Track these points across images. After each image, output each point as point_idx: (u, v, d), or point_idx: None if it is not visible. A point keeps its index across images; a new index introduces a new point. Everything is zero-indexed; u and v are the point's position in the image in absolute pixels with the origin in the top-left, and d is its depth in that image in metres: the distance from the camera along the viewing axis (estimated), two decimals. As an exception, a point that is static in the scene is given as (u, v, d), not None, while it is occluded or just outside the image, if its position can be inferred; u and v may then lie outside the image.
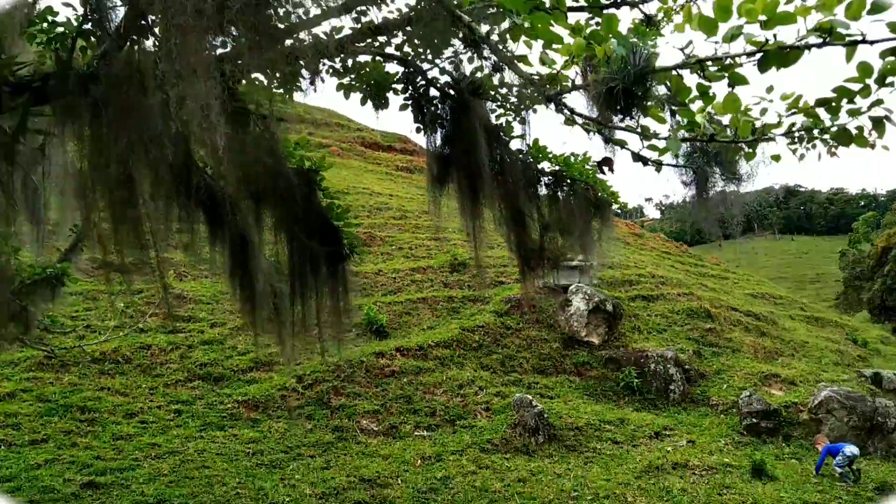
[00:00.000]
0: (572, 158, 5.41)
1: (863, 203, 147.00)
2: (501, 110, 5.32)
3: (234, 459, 9.09)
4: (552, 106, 4.37)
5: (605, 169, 4.70)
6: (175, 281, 13.80)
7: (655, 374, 13.72)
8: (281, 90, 4.91)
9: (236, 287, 4.90)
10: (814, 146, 3.90)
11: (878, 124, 3.65)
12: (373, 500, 8.74)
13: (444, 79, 4.88)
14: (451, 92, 4.82)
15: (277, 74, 4.73)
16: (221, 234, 4.96)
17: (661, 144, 4.14)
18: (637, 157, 4.25)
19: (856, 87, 3.62)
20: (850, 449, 11.13)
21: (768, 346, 17.09)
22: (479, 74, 4.84)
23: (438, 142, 4.89)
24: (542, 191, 5.44)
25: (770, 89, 3.83)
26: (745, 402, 12.89)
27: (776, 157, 3.99)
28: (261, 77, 4.60)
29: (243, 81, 4.83)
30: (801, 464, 11.76)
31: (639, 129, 3.97)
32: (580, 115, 4.25)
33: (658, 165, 4.23)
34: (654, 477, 10.43)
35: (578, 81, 4.24)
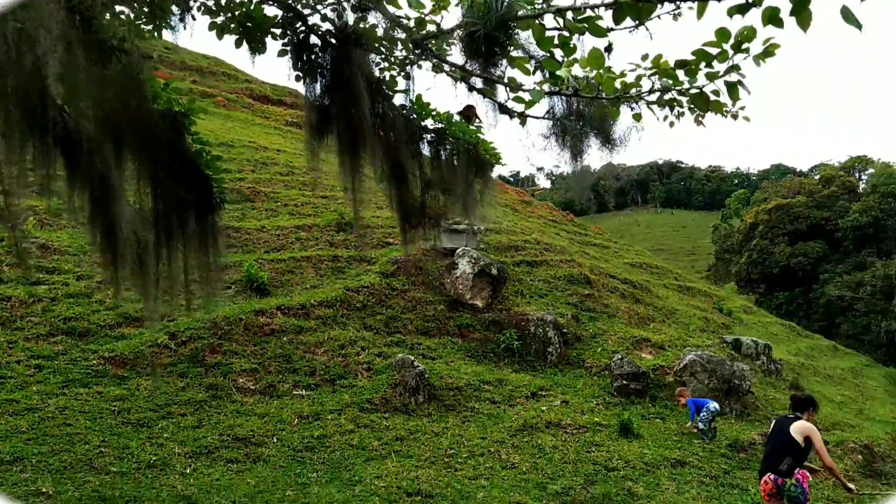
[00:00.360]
0: (456, 117, 5.37)
1: (736, 181, 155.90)
2: (386, 64, 5.20)
3: (98, 417, 8.67)
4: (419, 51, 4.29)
5: (472, 117, 4.67)
6: (37, 229, 12.91)
7: (535, 337, 14.10)
8: (149, 26, 4.59)
9: (96, 235, 4.59)
10: (681, 115, 4.01)
11: (732, 89, 3.78)
12: (246, 459, 8.59)
13: (326, 26, 4.70)
14: (333, 41, 4.65)
15: (145, 9, 4.41)
16: (81, 178, 4.63)
17: (529, 98, 4.16)
18: (503, 109, 4.25)
19: (714, 51, 3.74)
20: (714, 405, 11.91)
21: (642, 312, 17.91)
22: (362, 25, 4.69)
23: (318, 91, 4.71)
24: (425, 149, 5.37)
25: (645, 57, 3.91)
26: (617, 364, 13.46)
27: (637, 116, 4.09)
28: (125, 10, 4.28)
29: (107, 15, 4.49)
30: (665, 423, 12.45)
31: (505, 80, 3.96)
32: (447, 63, 4.19)
33: (523, 118, 4.25)
34: (528, 435, 10.77)
35: (445, 26, 4.17)
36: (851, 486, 7.87)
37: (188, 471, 8.04)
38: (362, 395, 10.86)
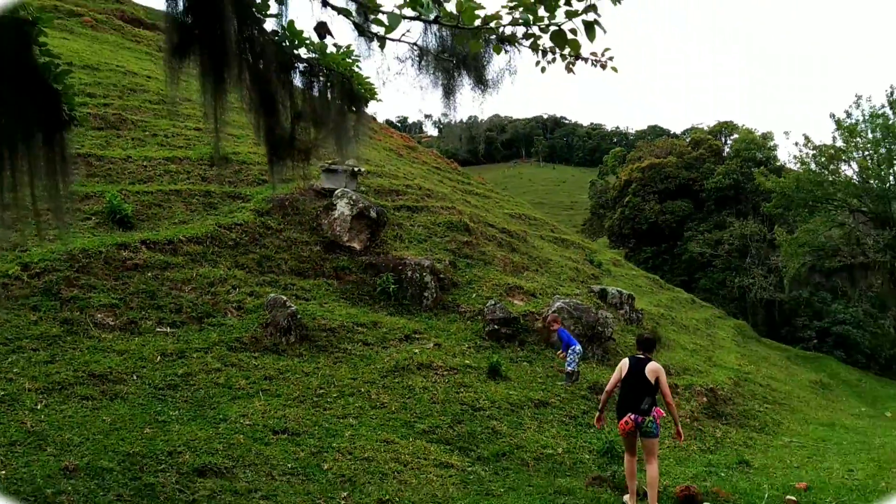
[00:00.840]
0: (332, 48, 5.20)
1: (615, 140, 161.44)
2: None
3: (-65, 351, 8.05)
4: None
5: (324, 33, 4.53)
6: None
7: (412, 281, 14.20)
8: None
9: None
10: (552, 61, 4.05)
11: (590, 28, 3.85)
12: (102, 396, 8.24)
13: (191, -63, 4.38)
14: (199, -47, 4.35)
15: None
16: None
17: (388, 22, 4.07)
18: (361, 31, 4.14)
19: (574, -12, 3.78)
20: (579, 347, 12.50)
21: (517, 261, 18.37)
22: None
23: (181, 7, 4.41)
24: (297, 79, 5.18)
25: (519, -2, 3.89)
26: (489, 310, 13.81)
27: (497, 49, 4.10)
28: None
29: None
30: (532, 366, 12.94)
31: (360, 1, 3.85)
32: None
33: (382, 41, 4.16)
34: (399, 376, 10.91)
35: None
36: (681, 431, 8.59)
37: (39, 406, 7.64)
38: (231, 333, 10.61)
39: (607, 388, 8.57)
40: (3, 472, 6.35)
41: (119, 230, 11.98)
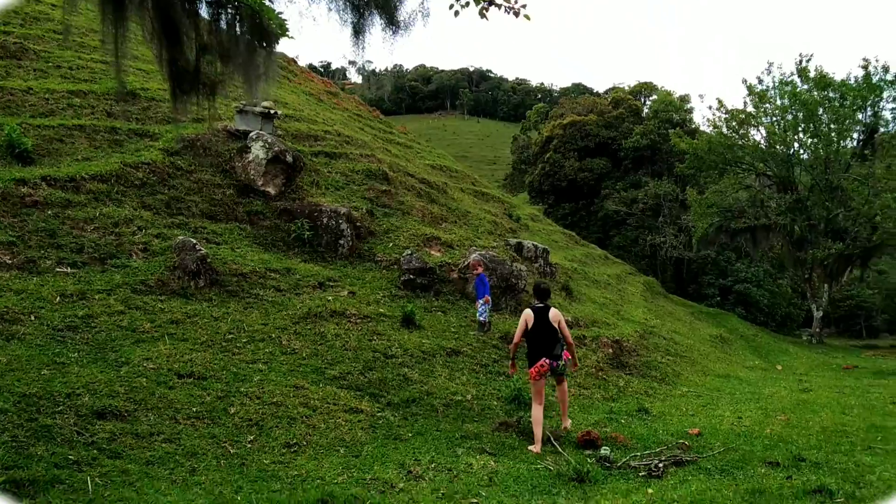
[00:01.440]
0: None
1: (540, 96, 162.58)
2: None
3: None
4: None
5: None
6: None
7: (327, 228, 14.04)
8: None
9: None
10: (466, 5, 4.00)
11: None
12: (-4, 337, 7.89)
13: None
14: None
15: None
16: None
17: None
18: None
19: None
20: (489, 298, 12.71)
21: (436, 212, 18.40)
22: None
23: (75, -77, 4.13)
24: (203, 9, 4.96)
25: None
26: (406, 259, 13.84)
27: None
28: None
29: None
30: (446, 315, 13.10)
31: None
32: None
33: None
34: (311, 323, 10.86)
35: None
36: (577, 364, 9.62)
37: (-77, 347, 7.25)
38: (136, 276, 10.29)
39: (515, 339, 8.95)
40: None
41: (18, 165, 11.35)
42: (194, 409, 7.63)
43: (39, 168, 11.43)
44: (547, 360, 8.51)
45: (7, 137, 11.53)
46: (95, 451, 6.38)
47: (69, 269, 9.80)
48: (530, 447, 8.26)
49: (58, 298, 9.04)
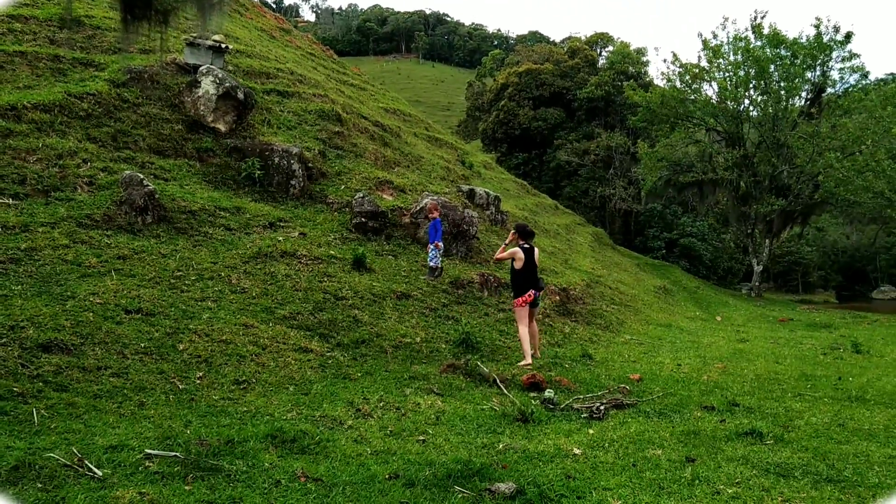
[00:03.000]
0: None
1: (496, 42, 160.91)
2: None
3: None
4: None
5: None
6: None
7: (279, 168, 13.86)
8: None
9: None
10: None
11: None
12: (-66, 268, 7.67)
13: None
14: None
15: None
16: None
17: None
18: None
19: None
20: (440, 244, 12.78)
21: (388, 156, 18.29)
22: None
23: None
24: (157, -68, 4.78)
25: None
26: (357, 202, 13.78)
27: None
28: None
29: None
30: (397, 259, 13.17)
31: None
32: None
33: None
34: (261, 263, 10.81)
35: None
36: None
37: None
38: (81, 209, 10.05)
39: (497, 256, 10.62)
40: None
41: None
42: (143, 345, 7.59)
43: (-24, 94, 10.96)
44: (533, 291, 10.01)
45: (-59, 61, 10.99)
46: (41, 384, 6.33)
47: (11, 201, 9.51)
48: (521, 362, 9.74)
49: (-1, 230, 8.80)
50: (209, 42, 14.45)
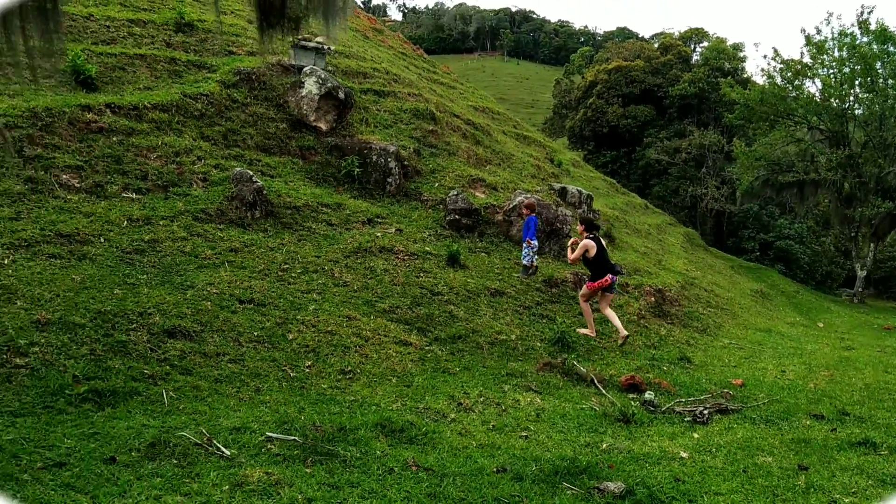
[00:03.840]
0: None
1: (583, 39, 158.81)
2: None
3: None
4: None
5: None
6: None
7: (376, 166, 14.22)
8: None
9: None
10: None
11: None
12: (70, 256, 8.29)
13: None
14: None
15: None
16: None
17: None
18: None
19: None
20: (535, 242, 12.83)
21: (480, 154, 18.46)
22: None
23: None
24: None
25: None
26: (451, 200, 13.99)
27: None
28: None
29: None
30: (490, 257, 13.30)
31: None
32: None
33: None
34: (361, 257, 11.15)
35: None
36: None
37: (6, 262, 7.66)
38: (197, 204, 10.62)
39: (573, 258, 10.79)
40: (-25, 321, 6.45)
41: (82, 91, 11.64)
42: (255, 334, 7.99)
43: (103, 95, 11.70)
44: (610, 276, 10.43)
45: (72, 63, 11.78)
46: (168, 367, 6.78)
47: (134, 195, 10.15)
48: (583, 329, 10.79)
49: (125, 222, 9.41)
50: (313, 44, 14.95)
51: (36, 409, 5.48)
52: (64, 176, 9.74)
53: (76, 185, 9.78)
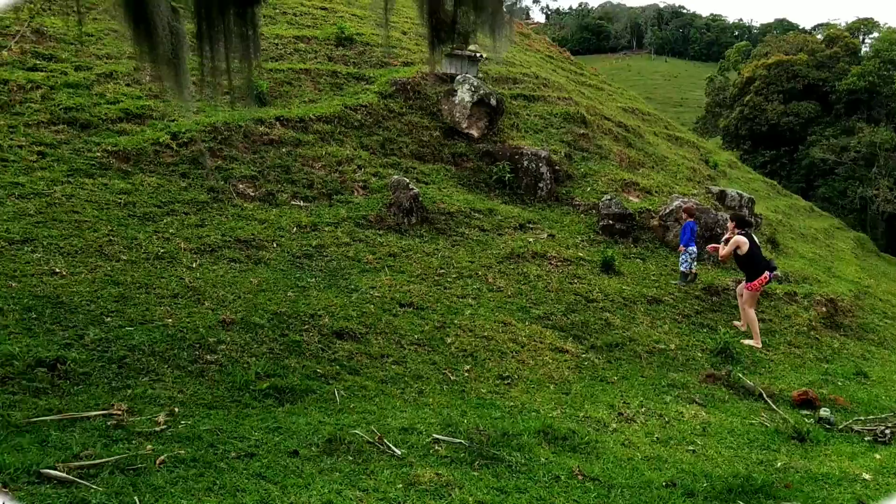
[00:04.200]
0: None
1: (737, 33, 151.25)
2: None
3: (104, 208, 8.85)
4: None
5: None
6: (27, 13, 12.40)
7: (527, 171, 14.26)
8: None
9: (130, 25, 4.50)
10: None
11: None
12: (247, 260, 8.92)
13: None
14: None
15: None
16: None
17: None
18: None
19: None
20: (694, 248, 12.39)
21: (633, 156, 18.05)
22: None
23: None
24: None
25: None
26: (605, 204, 13.78)
27: None
28: None
29: None
30: (645, 263, 12.98)
31: None
32: None
33: None
34: (514, 263, 11.22)
35: None
36: None
37: (194, 265, 8.35)
38: (358, 211, 11.10)
39: (724, 254, 10.89)
40: (170, 320, 7.08)
41: (256, 105, 12.49)
42: (416, 337, 8.24)
43: (273, 109, 12.50)
44: (769, 273, 10.41)
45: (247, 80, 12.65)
46: (338, 367, 7.13)
47: (302, 203, 10.77)
48: (749, 340, 10.46)
49: (294, 228, 10.00)
50: (466, 52, 15.23)
51: (225, 403, 5.93)
52: (240, 185, 10.49)
53: (251, 193, 10.51)
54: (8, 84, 10.46)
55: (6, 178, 8.68)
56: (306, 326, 7.65)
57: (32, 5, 11.39)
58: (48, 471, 4.05)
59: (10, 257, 7.28)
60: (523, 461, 5.58)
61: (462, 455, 5.54)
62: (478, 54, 15.72)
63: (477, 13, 5.29)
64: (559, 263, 11.74)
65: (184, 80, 4.78)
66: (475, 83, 14.88)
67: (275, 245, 9.46)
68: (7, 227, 7.72)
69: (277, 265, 9.01)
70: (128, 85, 11.68)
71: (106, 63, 12.18)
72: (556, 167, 14.89)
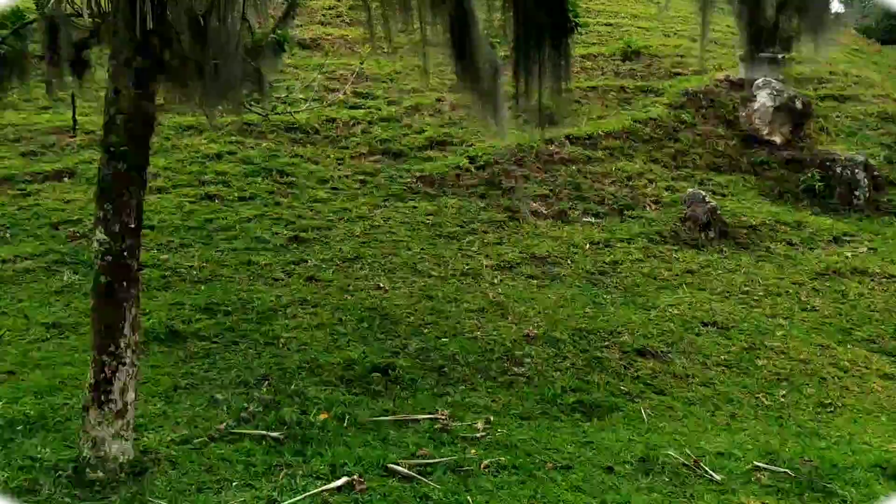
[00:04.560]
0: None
1: None
2: None
3: (415, 229, 9.71)
4: None
5: None
6: (348, 57, 14.06)
7: (840, 179, 12.94)
8: None
9: (455, 60, 4.92)
10: None
11: None
12: (544, 276, 9.18)
13: None
14: None
15: None
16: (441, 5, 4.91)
17: None
18: None
19: None
20: None
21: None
22: None
23: None
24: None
25: None
26: (938, 213, 12.01)
27: None
28: None
29: None
30: None
31: None
32: None
33: None
34: (829, 280, 10.22)
35: None
36: None
37: (495, 281, 8.80)
38: (651, 226, 10.88)
39: None
40: (479, 333, 7.53)
41: (545, 125, 12.84)
42: (722, 357, 7.84)
43: (563, 128, 12.74)
44: None
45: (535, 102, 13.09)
46: (641, 386, 7.03)
47: (593, 219, 10.83)
48: None
49: (587, 245, 10.09)
50: (766, 54, 14.26)
51: (535, 414, 6.14)
52: (534, 204, 10.85)
53: (543, 211, 10.81)
54: (335, 121, 11.96)
55: (337, 205, 9.93)
56: (606, 343, 7.66)
57: (362, 54, 12.93)
58: (394, 466, 4.50)
59: (345, 273, 8.29)
60: (860, 498, 5.04)
61: (787, 485, 5.17)
62: (780, 55, 14.63)
63: (800, 16, 4.93)
64: (883, 280, 10.46)
65: (500, 107, 5.10)
66: (777, 86, 13.86)
67: (569, 262, 9.62)
68: (340, 248, 8.82)
69: (573, 281, 9.14)
70: (431, 115, 12.68)
71: (410, 97, 13.34)
72: (875, 173, 13.33)
